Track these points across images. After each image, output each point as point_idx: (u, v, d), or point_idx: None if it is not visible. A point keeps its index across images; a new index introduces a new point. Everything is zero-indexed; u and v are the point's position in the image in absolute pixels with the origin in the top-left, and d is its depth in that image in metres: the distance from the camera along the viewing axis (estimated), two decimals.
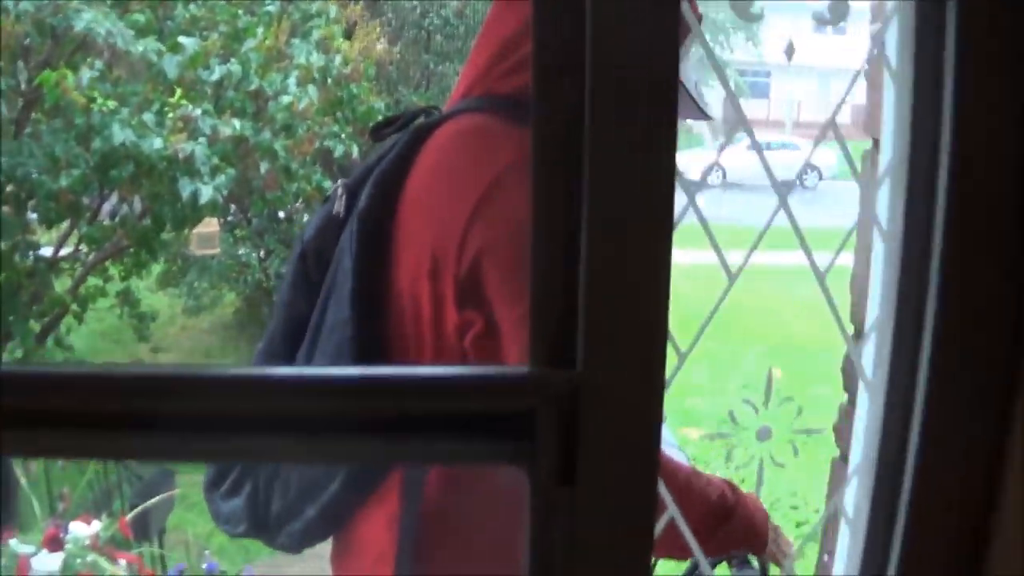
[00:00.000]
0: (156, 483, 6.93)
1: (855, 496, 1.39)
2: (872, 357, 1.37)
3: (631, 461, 1.04)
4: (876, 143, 1.92)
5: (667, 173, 0.98)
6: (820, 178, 26.22)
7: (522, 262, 1.82)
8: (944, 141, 1.18)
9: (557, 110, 0.98)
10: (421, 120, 2.09)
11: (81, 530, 4.69)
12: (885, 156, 1.33)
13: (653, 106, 0.96)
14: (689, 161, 33.36)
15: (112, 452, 1.83)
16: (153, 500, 5.89)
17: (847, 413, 1.91)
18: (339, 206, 2.10)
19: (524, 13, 1.96)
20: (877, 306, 1.35)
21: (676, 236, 1.00)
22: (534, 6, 0.96)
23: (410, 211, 1.98)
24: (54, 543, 4.57)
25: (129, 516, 5.26)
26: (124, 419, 0.99)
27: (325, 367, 1.95)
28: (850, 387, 1.91)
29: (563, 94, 0.97)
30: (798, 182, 1.77)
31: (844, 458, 1.98)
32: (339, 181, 2.19)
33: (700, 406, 9.84)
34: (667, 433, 2.58)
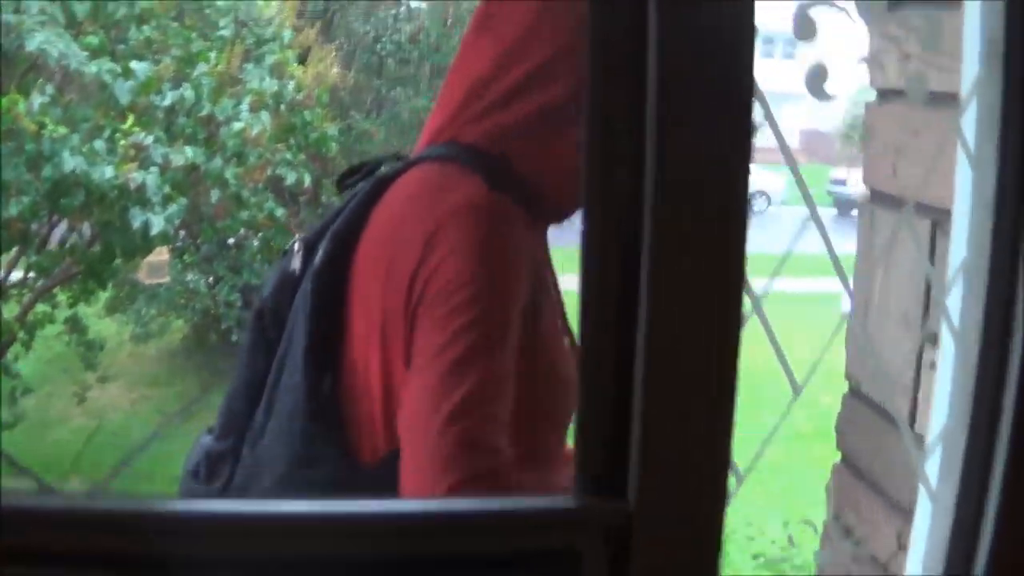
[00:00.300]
0: None
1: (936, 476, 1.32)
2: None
3: None
4: (873, 192, 1.88)
5: (736, 286, 0.87)
6: (769, 203, 26.34)
7: (449, 324, 1.69)
8: None
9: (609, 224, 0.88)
10: (383, 170, 1.96)
11: None
12: (958, 250, 1.27)
13: (723, 209, 0.86)
14: None
15: None
16: None
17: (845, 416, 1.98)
18: (296, 262, 1.97)
19: (494, 52, 1.83)
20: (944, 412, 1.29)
21: None
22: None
23: (363, 268, 1.84)
24: None
25: None
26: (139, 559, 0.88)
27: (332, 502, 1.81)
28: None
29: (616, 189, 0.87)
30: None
31: (845, 461, 2.01)
32: (297, 236, 2.06)
33: None
34: None
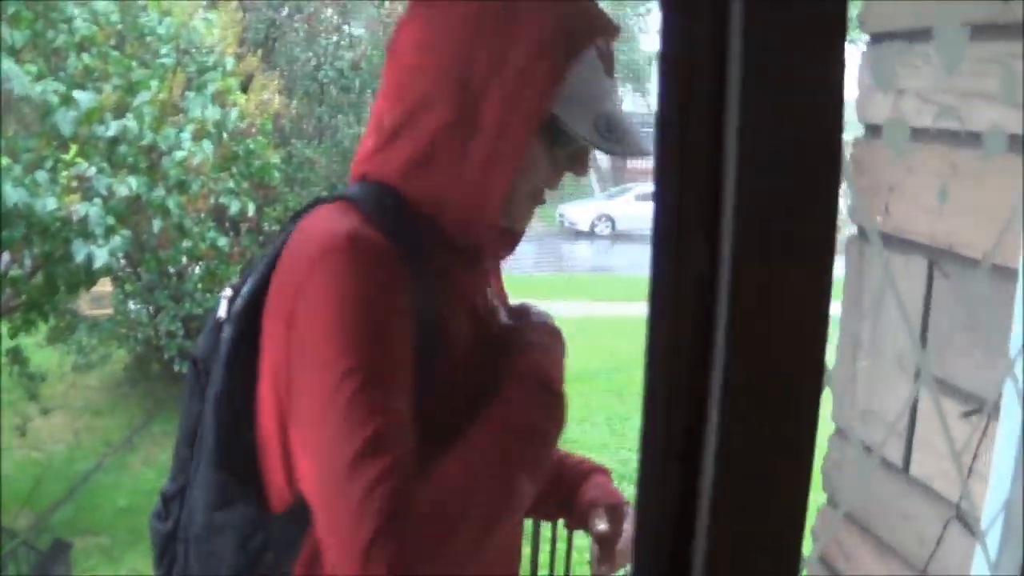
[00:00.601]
0: (52, 558, 6.78)
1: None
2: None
3: None
4: (862, 230, 1.87)
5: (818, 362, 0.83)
6: None
7: (327, 375, 1.67)
8: None
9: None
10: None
11: None
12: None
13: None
14: (578, 212, 33.76)
15: None
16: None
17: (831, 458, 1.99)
18: (222, 309, 1.95)
19: (386, 87, 1.86)
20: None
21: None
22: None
23: (266, 313, 1.80)
24: None
25: None
26: None
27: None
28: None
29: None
30: None
31: (831, 503, 2.03)
32: (229, 284, 2.04)
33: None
34: None
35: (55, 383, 12.69)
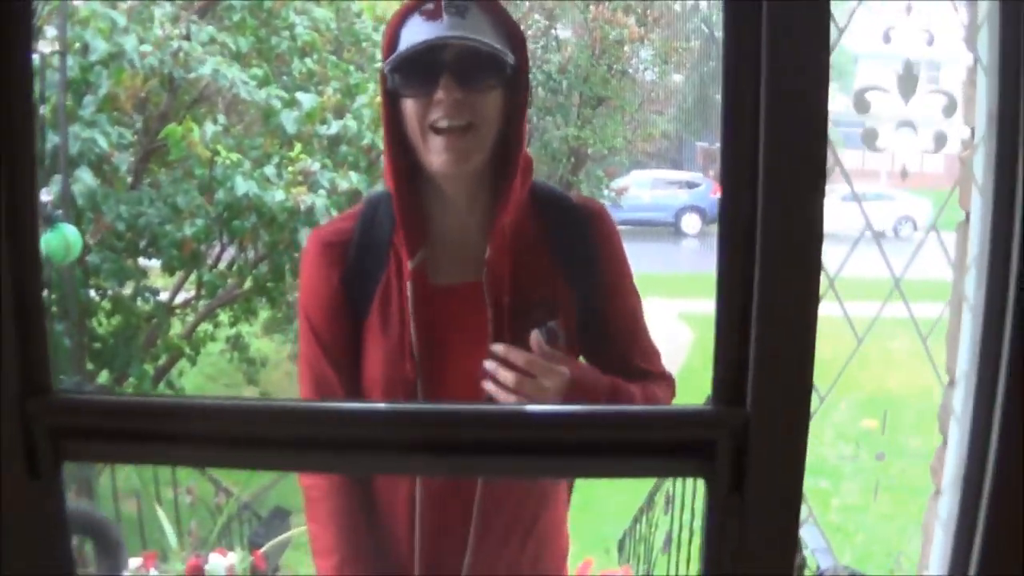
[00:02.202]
0: (273, 524, 7.19)
1: (946, 510, 1.63)
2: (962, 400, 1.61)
3: (785, 476, 1.36)
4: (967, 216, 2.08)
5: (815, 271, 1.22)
6: (915, 228, 26.18)
7: None
8: None
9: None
10: None
11: (219, 560, 4.96)
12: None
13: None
14: None
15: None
16: (279, 539, 6.13)
17: (941, 453, 2.11)
18: None
19: None
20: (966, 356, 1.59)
21: None
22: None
23: None
24: (197, 572, 4.84)
25: (262, 550, 5.51)
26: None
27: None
28: (944, 429, 2.10)
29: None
30: (893, 233, 1.97)
31: (939, 493, 2.14)
32: None
33: None
34: None
35: (272, 371, 13.18)
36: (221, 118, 8.49)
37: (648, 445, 1.43)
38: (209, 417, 1.46)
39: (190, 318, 10.25)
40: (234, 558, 5.08)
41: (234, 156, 8.06)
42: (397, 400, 2.33)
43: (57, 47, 6.52)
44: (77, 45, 7.46)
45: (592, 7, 16.06)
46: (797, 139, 1.31)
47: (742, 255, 1.31)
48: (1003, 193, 1.50)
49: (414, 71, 2.32)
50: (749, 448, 1.33)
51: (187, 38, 8.10)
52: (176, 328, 10.06)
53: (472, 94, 2.31)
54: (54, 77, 6.83)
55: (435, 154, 2.32)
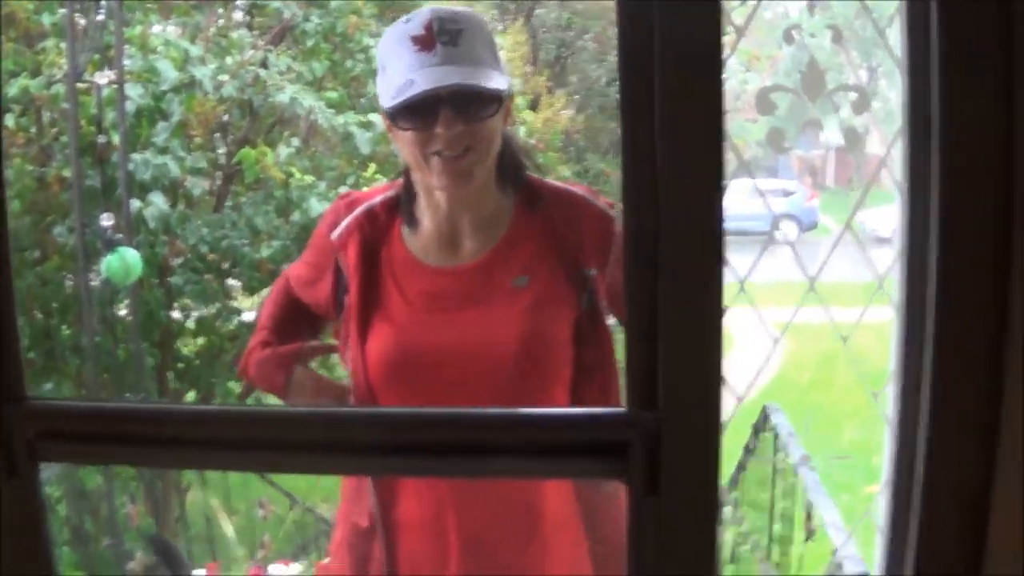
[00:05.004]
0: None
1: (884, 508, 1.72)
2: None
3: (699, 476, 1.45)
4: None
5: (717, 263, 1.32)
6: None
7: None
8: None
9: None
10: None
11: (280, 571, 5.12)
12: None
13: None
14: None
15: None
16: None
17: None
18: None
19: None
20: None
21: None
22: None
23: None
24: None
25: (325, 561, 5.64)
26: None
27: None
28: None
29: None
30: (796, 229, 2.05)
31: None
32: None
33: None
34: None
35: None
36: (295, 140, 8.65)
37: (567, 446, 1.55)
38: (174, 421, 1.61)
39: None
40: (297, 568, 5.23)
41: (309, 178, 8.22)
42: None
43: (114, 77, 6.72)
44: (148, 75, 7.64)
45: None
46: (693, 145, 1.41)
47: (647, 263, 1.41)
48: (917, 190, 1.56)
49: (413, 110, 2.45)
50: (662, 449, 1.42)
51: (264, 65, 8.28)
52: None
53: (471, 125, 2.44)
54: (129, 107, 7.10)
55: (437, 176, 2.46)
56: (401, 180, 2.67)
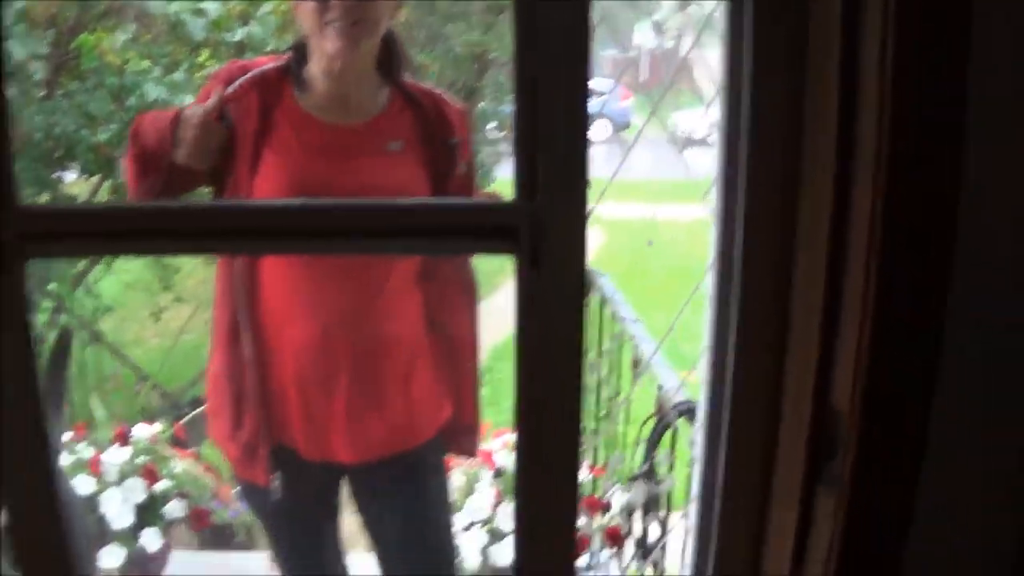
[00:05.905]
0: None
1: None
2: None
3: (570, 252, 1.77)
4: None
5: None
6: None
7: None
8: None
9: None
10: None
11: (144, 431, 5.39)
12: None
13: None
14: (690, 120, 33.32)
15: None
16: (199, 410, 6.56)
17: None
18: None
19: None
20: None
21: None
22: None
23: None
24: (123, 439, 5.26)
25: (182, 422, 5.94)
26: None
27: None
28: None
29: None
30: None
31: None
32: None
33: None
34: None
35: (186, 278, 13.37)
36: (131, 28, 8.70)
37: (468, 228, 1.88)
38: (144, 215, 1.90)
39: None
40: (158, 427, 5.50)
41: (144, 63, 8.32)
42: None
43: None
44: None
45: None
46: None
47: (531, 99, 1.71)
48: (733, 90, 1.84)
49: None
50: (543, 232, 1.74)
51: None
52: None
53: (363, 1, 2.81)
54: None
55: (331, 41, 2.78)
56: (289, 55, 3.02)
